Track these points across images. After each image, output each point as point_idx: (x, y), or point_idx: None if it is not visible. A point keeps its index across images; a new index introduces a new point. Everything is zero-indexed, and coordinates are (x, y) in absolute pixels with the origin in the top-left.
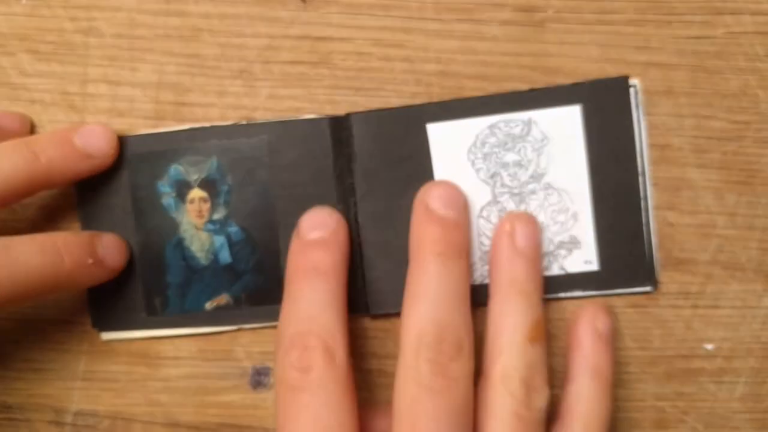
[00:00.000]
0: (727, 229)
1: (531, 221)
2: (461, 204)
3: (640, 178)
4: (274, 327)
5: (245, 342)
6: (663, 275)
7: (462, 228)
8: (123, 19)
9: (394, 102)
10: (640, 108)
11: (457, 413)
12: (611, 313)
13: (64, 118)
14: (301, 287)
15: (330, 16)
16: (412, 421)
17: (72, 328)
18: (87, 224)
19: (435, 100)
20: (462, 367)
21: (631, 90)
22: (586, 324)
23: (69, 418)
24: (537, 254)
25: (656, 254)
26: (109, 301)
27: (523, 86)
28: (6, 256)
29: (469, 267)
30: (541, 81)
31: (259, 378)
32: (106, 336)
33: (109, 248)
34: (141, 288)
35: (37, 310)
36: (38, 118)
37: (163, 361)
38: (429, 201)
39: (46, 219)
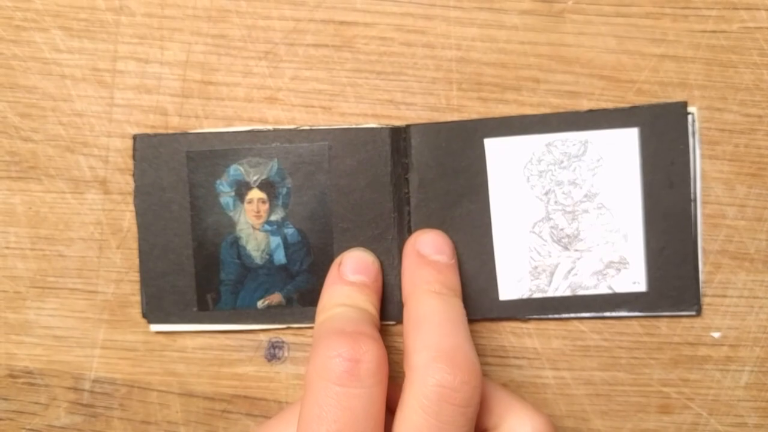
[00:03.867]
0: (736, 219)
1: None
2: (450, 250)
3: (692, 204)
4: None
5: None
6: None
7: (454, 270)
8: None
9: (414, 87)
10: (697, 135)
11: None
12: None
13: (94, 93)
14: (343, 307)
15: (354, 1)
16: None
17: (93, 297)
18: (143, 218)
19: (454, 86)
20: (472, 392)
21: (689, 117)
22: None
23: (87, 385)
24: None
25: (702, 279)
26: (162, 294)
27: (541, 75)
28: None
29: (463, 305)
30: (559, 70)
31: (274, 351)
32: (156, 328)
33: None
34: (194, 283)
35: (60, 279)
36: (68, 93)
37: (180, 332)
38: (420, 248)
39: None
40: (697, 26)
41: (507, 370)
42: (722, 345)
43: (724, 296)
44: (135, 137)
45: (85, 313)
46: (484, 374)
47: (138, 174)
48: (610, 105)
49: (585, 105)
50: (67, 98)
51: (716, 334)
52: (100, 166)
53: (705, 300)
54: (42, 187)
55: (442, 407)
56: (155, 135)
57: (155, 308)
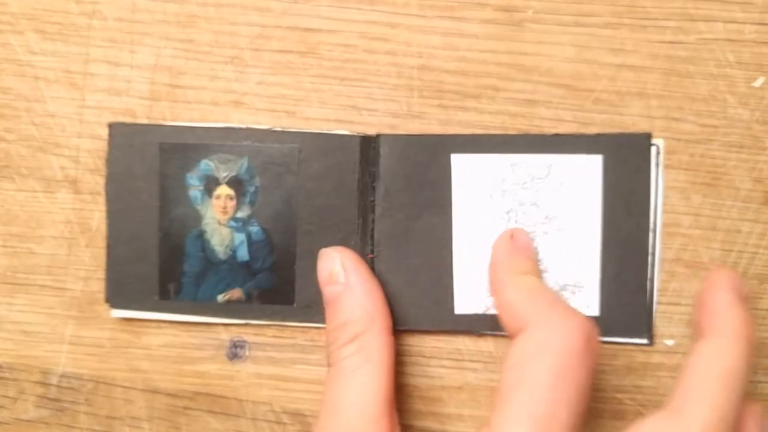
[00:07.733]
0: (691, 228)
1: None
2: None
3: (651, 234)
4: (280, 326)
5: None
6: None
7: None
8: (125, 3)
9: (377, 93)
10: (660, 167)
11: None
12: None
13: (66, 94)
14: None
15: (319, 9)
16: None
17: (62, 294)
18: (113, 204)
19: (415, 93)
20: None
21: (653, 148)
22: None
23: (54, 380)
24: None
25: (656, 309)
26: (125, 280)
27: (500, 83)
28: None
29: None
30: (518, 78)
31: (236, 350)
32: (117, 313)
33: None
34: (157, 272)
35: (30, 276)
36: (41, 94)
37: (145, 329)
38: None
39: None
40: (656, 37)
41: (462, 374)
42: (675, 352)
43: (678, 304)
44: (110, 125)
45: (53, 309)
46: (439, 377)
47: (111, 161)
48: (568, 113)
49: (543, 113)
50: (40, 99)
51: (669, 342)
52: (71, 166)
53: (659, 308)
54: (14, 186)
55: None
56: (130, 124)
57: (118, 294)
